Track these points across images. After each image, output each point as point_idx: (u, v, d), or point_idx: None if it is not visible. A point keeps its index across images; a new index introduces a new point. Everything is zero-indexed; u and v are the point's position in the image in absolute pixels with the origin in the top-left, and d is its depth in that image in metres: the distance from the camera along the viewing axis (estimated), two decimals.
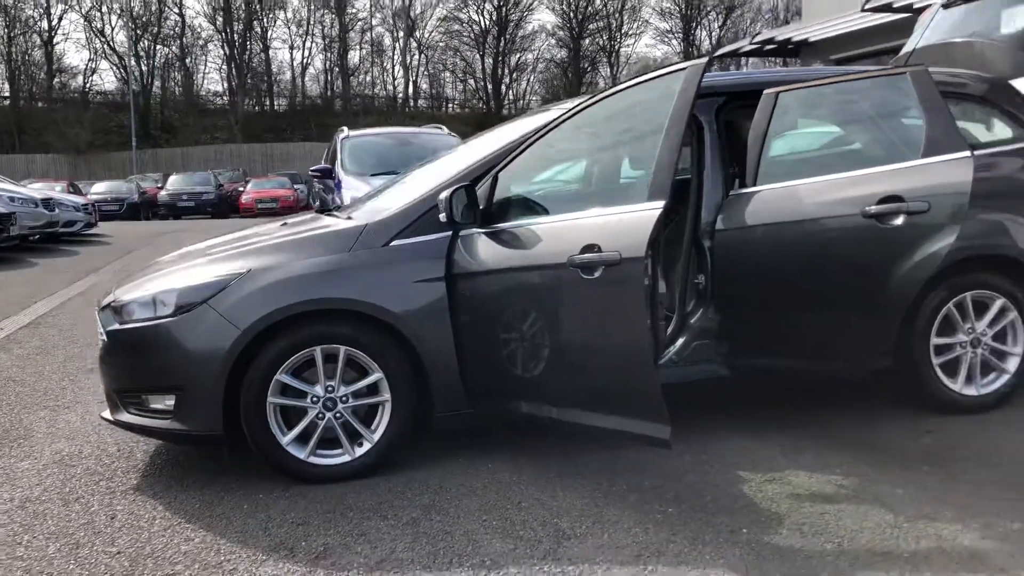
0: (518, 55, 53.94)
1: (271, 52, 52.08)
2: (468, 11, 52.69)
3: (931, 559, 2.61)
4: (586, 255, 3.04)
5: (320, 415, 3.33)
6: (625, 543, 2.77)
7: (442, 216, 3.34)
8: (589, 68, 54.32)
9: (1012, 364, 3.93)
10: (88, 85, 49.90)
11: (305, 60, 53.10)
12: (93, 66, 52.22)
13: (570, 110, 3.44)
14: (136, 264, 10.91)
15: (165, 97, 50.76)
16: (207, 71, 52.54)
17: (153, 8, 48.72)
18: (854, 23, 12.97)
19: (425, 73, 54.82)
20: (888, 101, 3.81)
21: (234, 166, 38.21)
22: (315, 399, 3.32)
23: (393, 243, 3.44)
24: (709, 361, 3.74)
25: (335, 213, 4.21)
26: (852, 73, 3.97)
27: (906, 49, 5.41)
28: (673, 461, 3.39)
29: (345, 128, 10.83)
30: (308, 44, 52.77)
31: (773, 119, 3.71)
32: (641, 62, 52.62)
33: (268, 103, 52.71)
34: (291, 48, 54.44)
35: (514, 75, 54.65)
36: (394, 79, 54.37)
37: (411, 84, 54.07)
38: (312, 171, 10.76)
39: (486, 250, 3.36)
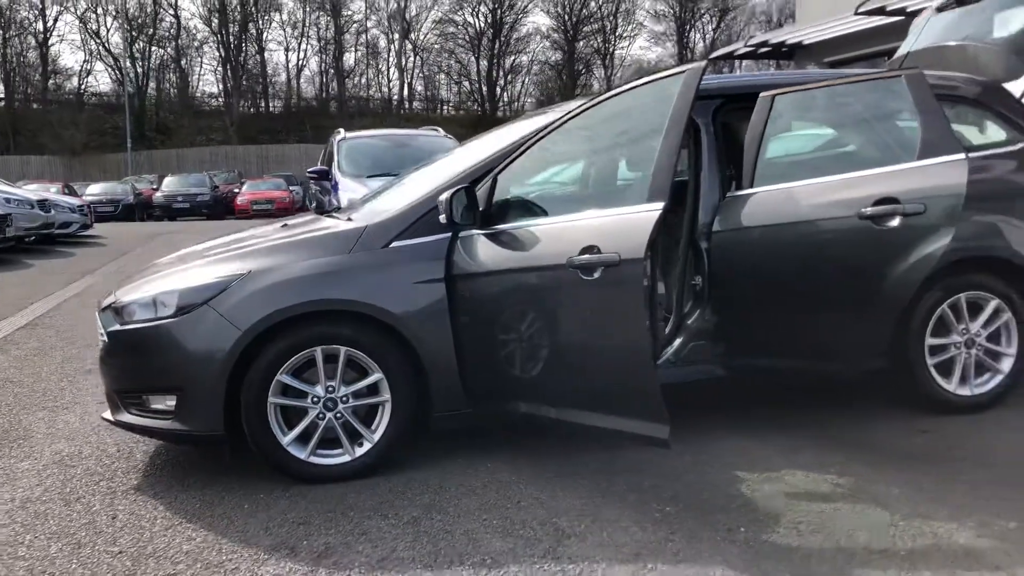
0: (513, 57, 54.12)
1: (266, 54, 52.19)
2: (463, 13, 52.87)
3: (928, 557, 2.64)
4: (585, 256, 3.06)
5: (320, 415, 3.35)
6: (624, 542, 2.80)
7: (442, 217, 3.36)
8: (583, 70, 54.47)
9: (1006, 364, 3.97)
10: (83, 87, 49.95)
11: (300, 62, 53.20)
12: (88, 68, 52.62)
13: (569, 112, 3.46)
14: (132, 265, 10.91)
15: (160, 99, 50.72)
16: (202, 73, 52.68)
17: (148, 10, 48.81)
18: (848, 26, 13.04)
19: (420, 75, 54.98)
20: (883, 104, 3.84)
21: (229, 168, 38.15)
22: (315, 399, 3.34)
23: (393, 244, 3.46)
24: (706, 362, 3.77)
25: (335, 215, 4.22)
26: (848, 76, 4.01)
27: (900, 52, 5.46)
28: (671, 461, 3.41)
29: (342, 130, 10.84)
30: (303, 46, 52.86)
31: (769, 121, 3.75)
32: (635, 64, 52.82)
33: (263, 105, 52.74)
34: (286, 50, 54.26)
35: (509, 77, 54.81)
36: (389, 81, 54.52)
37: (406, 86, 54.20)
38: (309, 173, 10.78)
39: (486, 251, 3.38)
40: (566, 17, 53.20)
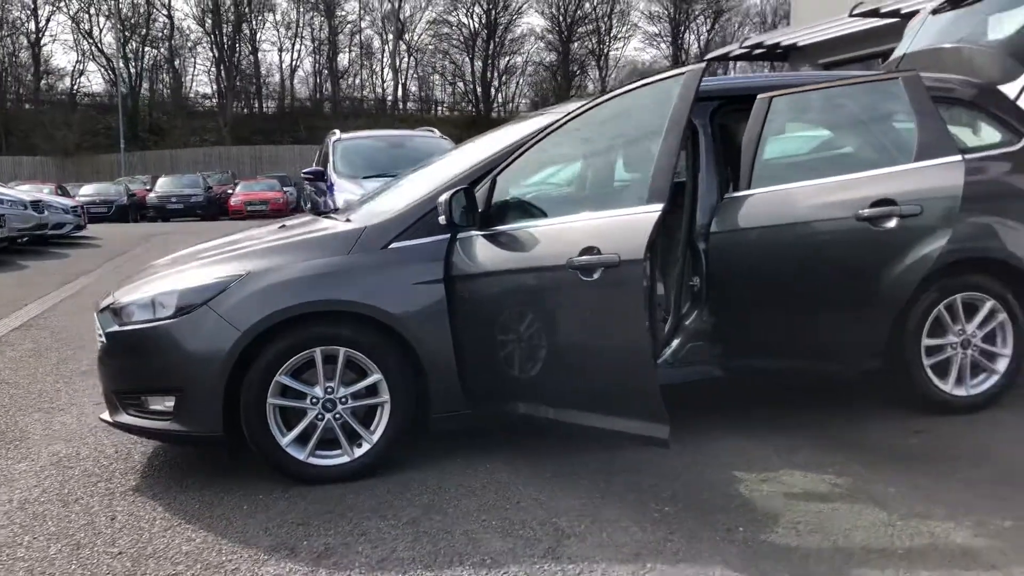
0: (507, 58, 54.16)
1: (260, 54, 52.17)
2: (457, 14, 52.88)
3: (925, 556, 2.66)
4: (585, 257, 3.07)
5: (319, 416, 3.35)
6: (624, 541, 2.81)
7: (441, 219, 3.37)
8: (578, 71, 54.52)
9: (1001, 365, 3.99)
10: (76, 87, 49.79)
11: (294, 62, 53.19)
12: (81, 68, 52.11)
13: (568, 114, 3.47)
14: (127, 267, 10.89)
15: (153, 99, 50.60)
16: (196, 73, 52.62)
17: (141, 10, 48.65)
18: (842, 28, 13.07)
19: (414, 76, 54.98)
20: (880, 106, 3.86)
21: (223, 168, 38.09)
22: (314, 400, 3.34)
23: (392, 245, 3.47)
24: (704, 362, 3.78)
25: (333, 216, 4.23)
26: (845, 78, 4.02)
27: (896, 54, 5.47)
28: (669, 461, 3.42)
29: (337, 131, 10.84)
30: (297, 46, 52.85)
31: (767, 123, 3.76)
32: (630, 65, 52.88)
33: (257, 105, 52.66)
34: (280, 50, 54.22)
35: (503, 78, 54.85)
36: (383, 82, 54.47)
37: (400, 87, 54.17)
38: (304, 174, 10.76)
39: (485, 252, 3.39)
40: (561, 18, 53.29)
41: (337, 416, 3.36)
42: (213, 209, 28.67)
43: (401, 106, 53.28)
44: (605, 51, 54.07)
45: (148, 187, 31.24)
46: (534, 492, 3.23)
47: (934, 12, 5.53)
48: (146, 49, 49.47)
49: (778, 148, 3.99)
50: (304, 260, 3.45)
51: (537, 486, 3.28)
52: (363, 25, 53.27)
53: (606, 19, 53.54)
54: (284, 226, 4.24)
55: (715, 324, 3.75)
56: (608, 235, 3.05)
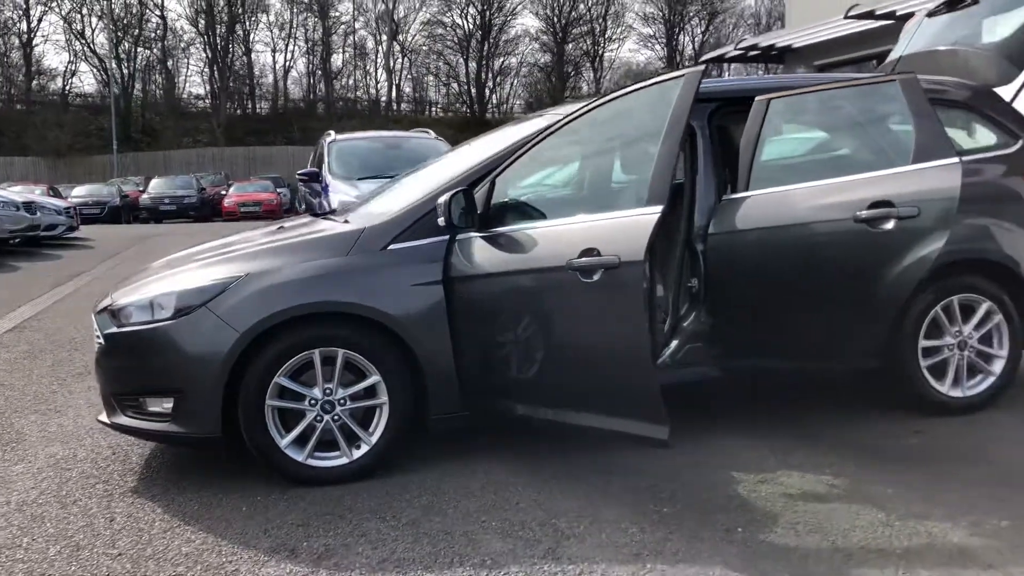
0: (502, 59, 54.16)
1: (253, 55, 52.03)
2: (452, 15, 52.89)
3: (923, 556, 2.67)
4: (585, 259, 3.08)
5: (318, 417, 3.34)
6: (623, 542, 2.81)
7: (440, 220, 3.37)
8: (573, 72, 54.59)
9: (997, 366, 4.01)
10: (68, 87, 49.60)
11: (288, 63, 53.08)
12: (73, 68, 51.85)
13: (567, 116, 3.48)
14: (121, 268, 10.86)
15: (146, 100, 50.43)
16: (189, 74, 52.39)
17: (134, 10, 48.50)
18: (837, 30, 13.12)
19: (408, 77, 54.95)
20: (878, 108, 3.88)
21: (216, 170, 37.98)
22: (313, 401, 3.34)
23: (391, 247, 3.47)
24: (702, 363, 3.79)
25: (332, 217, 4.23)
26: (842, 80, 4.04)
27: (892, 56, 5.50)
28: (668, 462, 3.43)
29: (332, 132, 10.83)
30: (291, 47, 52.76)
31: (765, 125, 3.77)
32: (624, 67, 52.97)
33: (250, 106, 52.61)
34: (273, 51, 54.05)
35: (498, 79, 54.86)
36: (377, 83, 54.43)
37: (394, 88, 54.11)
38: (299, 175, 10.76)
39: (484, 254, 3.39)
40: (555, 19, 53.32)
41: (336, 417, 3.36)
42: (206, 210, 28.59)
43: (395, 107, 53.28)
44: (600, 52, 54.19)
45: (141, 188, 31.12)
46: (533, 493, 3.23)
47: (930, 15, 5.56)
48: (139, 50, 49.38)
49: (776, 150, 4.01)
50: (303, 261, 3.45)
51: (536, 487, 3.28)
52: (357, 26, 53.32)
53: (600, 20, 53.67)
54: (283, 227, 4.24)
55: (713, 325, 3.76)
56: (608, 236, 3.06)
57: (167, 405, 3.33)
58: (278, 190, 29.40)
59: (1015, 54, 4.77)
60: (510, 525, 2.96)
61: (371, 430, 3.40)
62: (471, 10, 52.53)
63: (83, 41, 48.59)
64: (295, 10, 51.36)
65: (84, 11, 48.07)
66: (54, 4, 47.93)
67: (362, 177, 8.98)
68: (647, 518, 2.99)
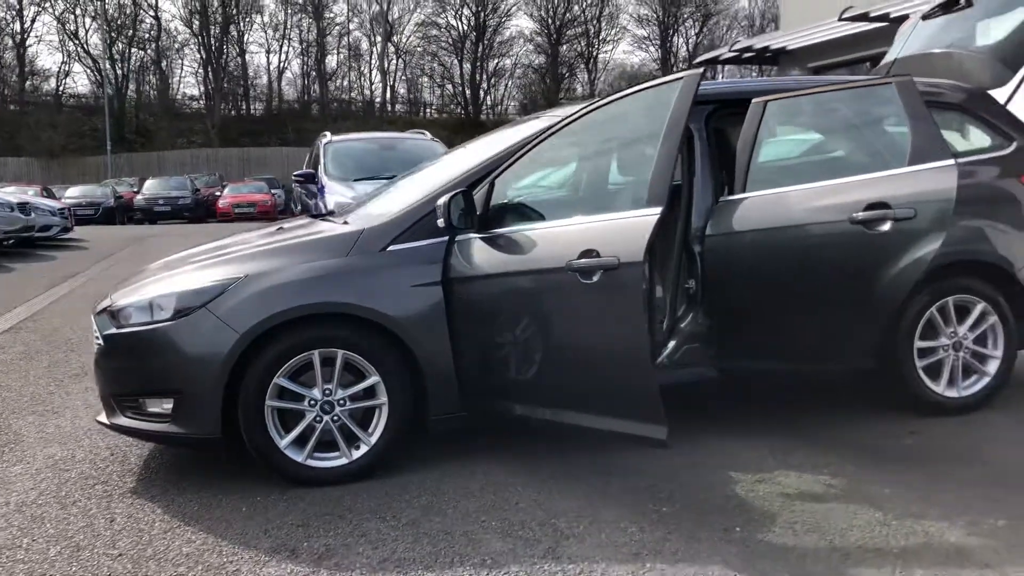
0: (496, 60, 54.19)
1: (248, 56, 52.01)
2: (446, 16, 52.88)
3: (920, 555, 2.69)
4: (584, 260, 3.10)
5: (318, 418, 3.35)
6: (623, 542, 2.83)
7: (440, 221, 3.38)
8: (567, 74, 54.63)
9: (992, 367, 4.04)
10: (61, 88, 49.46)
11: (282, 64, 53.35)
12: (66, 69, 51.67)
13: (566, 118, 3.49)
14: (116, 269, 10.85)
15: (140, 101, 50.32)
16: (183, 75, 52.47)
17: (128, 11, 48.40)
18: (832, 32, 13.18)
19: (403, 78, 54.93)
20: (874, 110, 3.91)
21: (210, 171, 37.93)
22: (313, 402, 3.35)
23: (390, 248, 3.48)
24: (699, 364, 3.80)
25: (330, 218, 4.23)
26: (838, 83, 4.06)
27: (888, 59, 5.53)
28: (666, 462, 3.45)
29: (327, 133, 10.83)
30: (285, 48, 52.80)
31: (762, 127, 3.79)
32: (618, 68, 53.07)
33: (245, 107, 52.50)
34: (268, 52, 54.28)
35: (492, 80, 54.87)
36: (371, 84, 54.40)
37: (389, 89, 54.09)
38: (295, 176, 10.76)
39: (483, 255, 3.40)
40: (549, 21, 53.37)
41: (335, 418, 3.36)
42: (201, 211, 28.56)
43: (389, 108, 53.25)
44: (594, 54, 54.25)
45: (135, 189, 31.07)
46: (532, 493, 3.24)
47: (925, 17, 5.59)
48: (133, 50, 49.25)
49: (773, 152, 4.03)
50: (302, 262, 3.45)
51: (535, 487, 3.30)
52: (351, 27, 53.28)
53: (595, 22, 53.74)
54: (282, 228, 4.24)
55: (710, 326, 3.78)
56: (607, 238, 3.07)
57: (167, 406, 3.34)
58: (272, 191, 29.37)
59: (1009, 57, 4.81)
60: (510, 525, 2.98)
61: (370, 431, 3.41)
62: (465, 11, 52.61)
63: (77, 42, 48.48)
64: (289, 11, 51.40)
65: (78, 12, 48.01)
66: (47, 4, 47.98)
67: (358, 178, 8.99)
68: (646, 518, 3.00)
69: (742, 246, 3.73)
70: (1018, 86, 4.62)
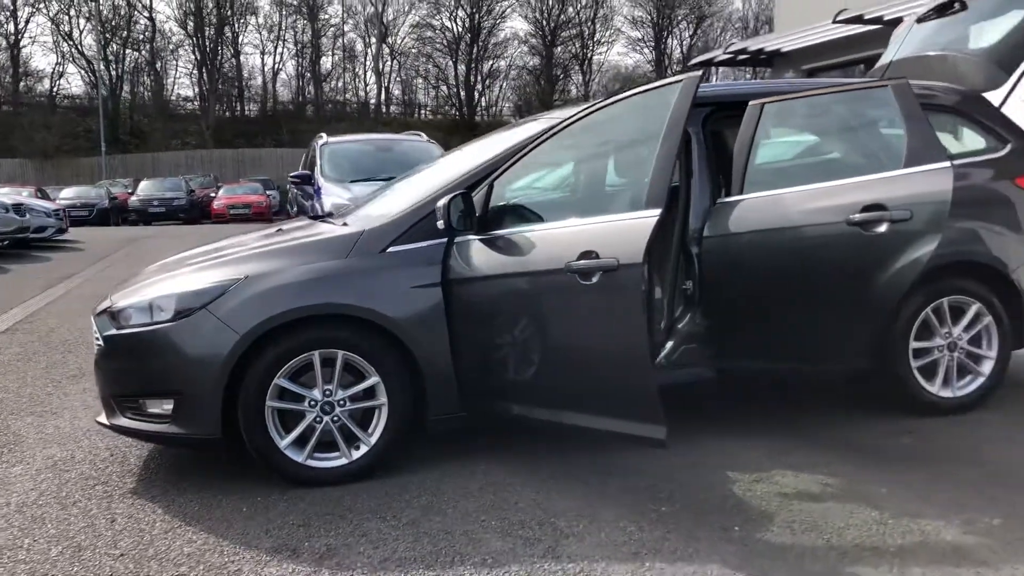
0: (491, 62, 54.15)
1: (242, 57, 51.93)
2: (441, 18, 52.87)
3: (917, 554, 2.71)
4: (583, 261, 3.12)
5: (318, 419, 3.37)
6: (622, 541, 2.85)
7: (439, 223, 3.39)
8: (562, 76, 54.64)
9: (986, 367, 4.07)
10: (55, 89, 49.32)
11: (277, 65, 52.95)
12: (60, 70, 51.68)
13: (565, 119, 3.51)
14: (112, 270, 10.84)
15: (135, 102, 50.16)
16: (177, 76, 52.09)
17: (122, 12, 48.27)
18: (826, 34, 13.23)
19: (397, 79, 54.89)
20: (870, 112, 3.93)
21: (205, 172, 37.82)
22: (313, 403, 3.36)
23: (390, 249, 3.49)
24: (697, 364, 3.83)
25: (330, 220, 4.25)
26: (835, 85, 4.09)
27: (882, 61, 5.56)
28: (664, 462, 3.47)
29: (324, 134, 10.83)
30: (280, 49, 52.58)
31: (759, 129, 3.81)
32: (613, 70, 53.13)
33: (239, 108, 52.41)
34: (262, 53, 54.14)
35: (487, 82, 54.83)
36: (366, 85, 54.37)
37: (383, 90, 54.06)
38: (291, 177, 10.76)
39: (482, 256, 3.42)
40: (544, 22, 53.38)
41: (335, 419, 3.38)
42: (195, 213, 28.49)
43: (384, 109, 53.24)
44: (588, 55, 54.29)
45: (130, 190, 30.99)
46: (532, 493, 3.26)
47: (919, 20, 5.62)
48: (127, 51, 49.15)
49: (770, 154, 4.05)
50: (302, 264, 3.47)
51: (535, 487, 3.31)
52: (346, 28, 53.24)
53: (589, 24, 53.76)
54: (281, 230, 4.25)
55: (708, 327, 3.80)
56: (607, 239, 3.09)
57: (167, 407, 3.35)
58: (267, 192, 29.30)
59: (1004, 59, 4.83)
60: (510, 524, 2.99)
61: (370, 431, 3.42)
62: (460, 13, 52.59)
63: (71, 43, 48.38)
64: (284, 12, 51.30)
65: (72, 13, 47.87)
66: (41, 5, 47.72)
67: (354, 180, 9.00)
68: (645, 517, 3.02)
69: (739, 247, 3.75)
70: (1012, 89, 4.65)
